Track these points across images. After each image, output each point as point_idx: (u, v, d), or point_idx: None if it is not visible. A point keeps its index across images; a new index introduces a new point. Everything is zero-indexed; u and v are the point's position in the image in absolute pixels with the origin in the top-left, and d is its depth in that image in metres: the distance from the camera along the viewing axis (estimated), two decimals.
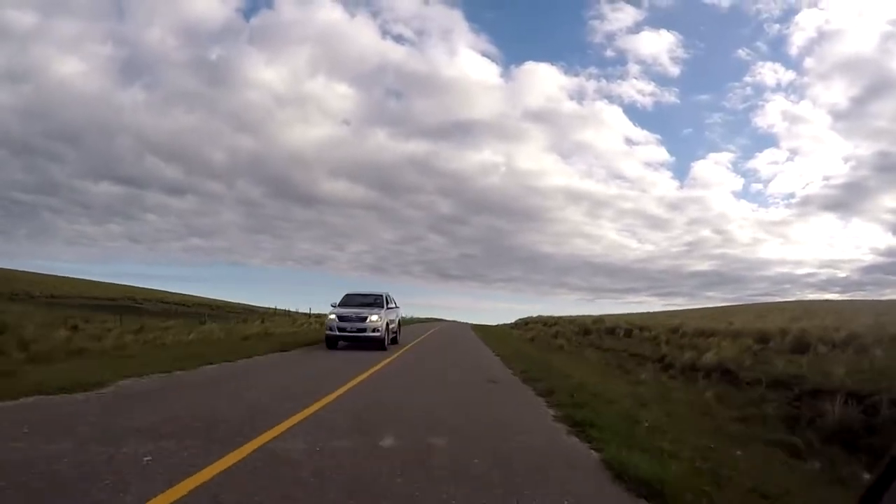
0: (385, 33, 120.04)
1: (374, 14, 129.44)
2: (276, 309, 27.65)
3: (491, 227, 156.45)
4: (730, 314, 26.01)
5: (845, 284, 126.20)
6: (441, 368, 11.54)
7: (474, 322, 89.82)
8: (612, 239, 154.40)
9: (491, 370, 11.57)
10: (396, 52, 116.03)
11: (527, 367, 11.67)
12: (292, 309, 39.17)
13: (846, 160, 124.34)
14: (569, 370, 11.63)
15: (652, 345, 17.19)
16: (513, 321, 56.98)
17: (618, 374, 12.91)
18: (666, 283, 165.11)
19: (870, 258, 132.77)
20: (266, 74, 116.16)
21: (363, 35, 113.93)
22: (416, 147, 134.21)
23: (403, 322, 23.02)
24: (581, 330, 27.27)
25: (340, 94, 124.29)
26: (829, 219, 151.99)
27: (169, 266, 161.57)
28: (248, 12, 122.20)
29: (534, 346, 22.94)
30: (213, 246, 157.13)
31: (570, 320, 34.52)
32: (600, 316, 33.23)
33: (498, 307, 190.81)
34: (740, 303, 55.95)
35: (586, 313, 36.94)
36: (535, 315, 47.65)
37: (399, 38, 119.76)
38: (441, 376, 10.04)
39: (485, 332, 35.33)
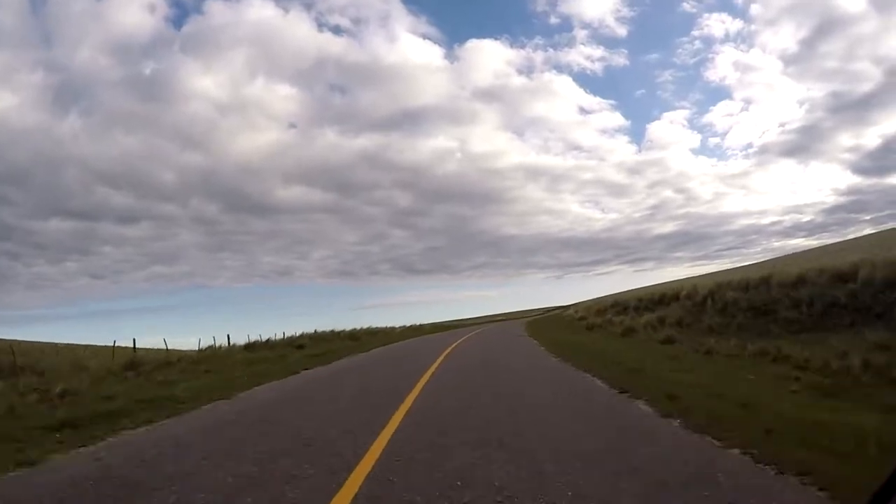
0: (321, 25, 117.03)
1: (308, 6, 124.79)
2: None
3: (453, 215, 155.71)
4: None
5: (810, 228, 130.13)
6: None
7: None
8: (576, 212, 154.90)
9: None
10: (335, 45, 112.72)
11: None
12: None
13: (800, 104, 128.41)
14: None
15: None
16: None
17: None
18: (633, 249, 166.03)
19: (832, 199, 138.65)
20: (204, 83, 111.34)
21: (299, 30, 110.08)
22: (368, 142, 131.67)
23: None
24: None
25: (283, 96, 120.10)
26: (789, 165, 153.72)
27: (135, 299, 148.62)
28: (178, 20, 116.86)
29: None
30: (176, 271, 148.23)
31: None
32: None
33: (468, 297, 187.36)
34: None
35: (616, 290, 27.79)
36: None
37: (336, 30, 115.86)
38: None
39: None
